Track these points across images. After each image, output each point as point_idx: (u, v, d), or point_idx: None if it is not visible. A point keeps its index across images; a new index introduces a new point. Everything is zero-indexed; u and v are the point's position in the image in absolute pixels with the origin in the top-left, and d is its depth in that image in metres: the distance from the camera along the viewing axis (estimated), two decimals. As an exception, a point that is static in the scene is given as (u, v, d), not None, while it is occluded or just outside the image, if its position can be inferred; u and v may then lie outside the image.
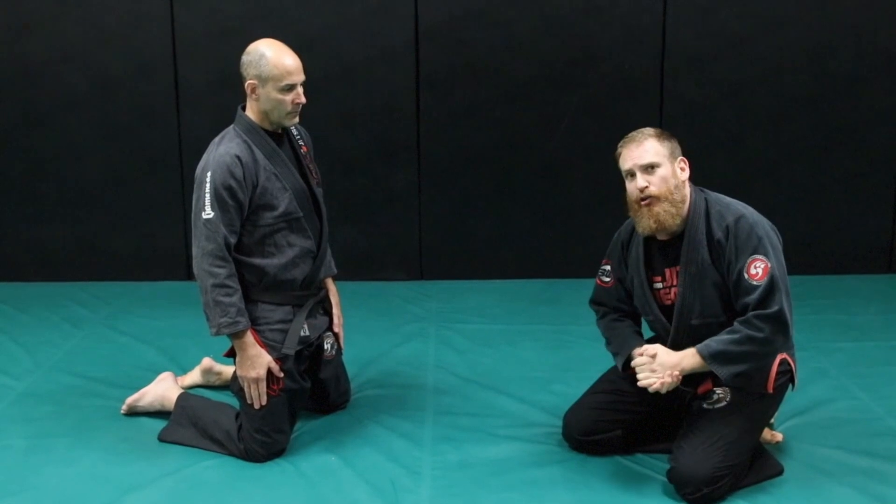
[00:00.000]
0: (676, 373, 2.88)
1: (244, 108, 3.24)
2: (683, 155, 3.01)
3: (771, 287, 2.84)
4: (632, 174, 2.96)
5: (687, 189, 2.98)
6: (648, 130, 2.99)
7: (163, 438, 3.32)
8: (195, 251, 3.12)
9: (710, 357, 2.85)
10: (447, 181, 5.25)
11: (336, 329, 3.50)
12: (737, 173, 5.17)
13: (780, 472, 3.03)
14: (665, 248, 3.01)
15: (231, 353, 3.31)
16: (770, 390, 2.95)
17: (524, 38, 5.07)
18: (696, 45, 5.07)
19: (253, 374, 3.12)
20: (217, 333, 3.11)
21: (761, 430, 3.04)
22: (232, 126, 3.23)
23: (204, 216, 3.07)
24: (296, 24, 5.00)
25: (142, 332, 4.45)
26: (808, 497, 2.91)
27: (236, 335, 3.11)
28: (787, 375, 3.03)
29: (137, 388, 3.60)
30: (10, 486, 3.01)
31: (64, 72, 5.07)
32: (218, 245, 3.07)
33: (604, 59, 5.09)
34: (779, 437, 3.24)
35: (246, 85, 3.15)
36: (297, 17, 5.01)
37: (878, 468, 3.08)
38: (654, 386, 2.87)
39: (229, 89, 5.01)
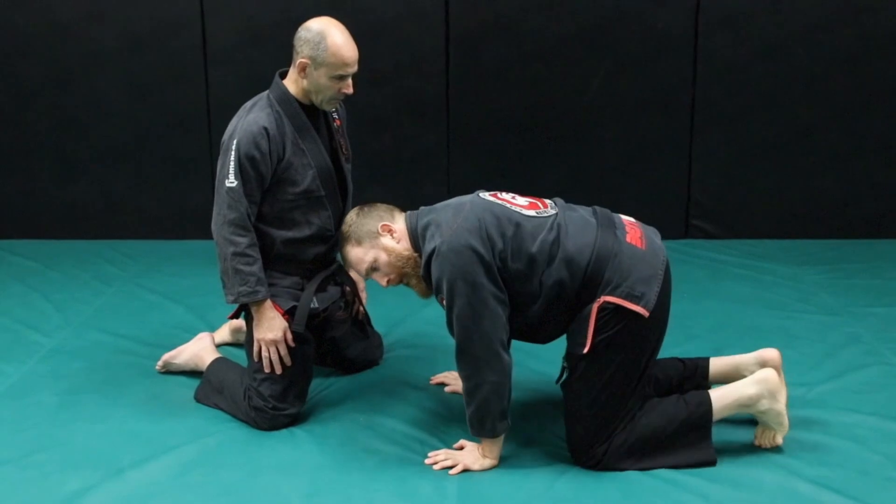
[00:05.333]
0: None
1: (283, 75, 3.18)
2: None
3: (450, 325, 2.80)
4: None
5: (406, 236, 2.91)
6: (343, 235, 2.98)
7: (196, 399, 3.34)
8: (216, 217, 3.09)
9: (475, 435, 2.87)
10: (476, 141, 5.20)
11: (360, 294, 3.49)
12: (771, 134, 5.09)
13: (710, 463, 2.86)
14: None
15: (234, 316, 3.32)
16: (587, 349, 2.77)
17: (555, -4, 5.00)
18: (731, 2, 4.96)
19: (271, 336, 3.10)
20: (235, 301, 3.09)
21: (626, 382, 2.82)
22: (266, 92, 3.17)
23: (227, 184, 3.05)
24: (324, -19, 4.94)
25: (170, 289, 4.46)
26: (840, 463, 2.88)
27: (255, 302, 3.09)
28: (613, 312, 2.77)
29: (166, 346, 3.62)
30: (42, 441, 3.04)
31: (91, 29, 5.05)
32: (240, 214, 3.05)
33: (637, 17, 5.00)
34: (779, 441, 2.98)
35: (297, 62, 3.08)
36: (326, -27, 4.95)
37: (912, 434, 3.05)
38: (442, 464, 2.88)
39: (257, 47, 4.99)
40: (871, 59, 5.01)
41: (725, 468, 2.85)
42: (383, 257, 2.92)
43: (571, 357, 2.86)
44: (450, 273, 2.74)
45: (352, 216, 3.01)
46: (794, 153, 5.12)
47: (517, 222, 2.82)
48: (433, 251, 2.77)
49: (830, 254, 4.91)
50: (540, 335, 2.98)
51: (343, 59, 3.04)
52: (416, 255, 2.90)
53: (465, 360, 2.80)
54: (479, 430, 2.85)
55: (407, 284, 2.98)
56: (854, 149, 5.13)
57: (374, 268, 2.95)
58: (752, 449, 2.95)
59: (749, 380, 2.93)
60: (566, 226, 2.85)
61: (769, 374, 2.93)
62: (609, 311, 2.78)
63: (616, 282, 2.78)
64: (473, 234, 2.76)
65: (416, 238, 2.89)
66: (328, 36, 3.03)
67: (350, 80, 3.11)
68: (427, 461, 2.90)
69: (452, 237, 2.76)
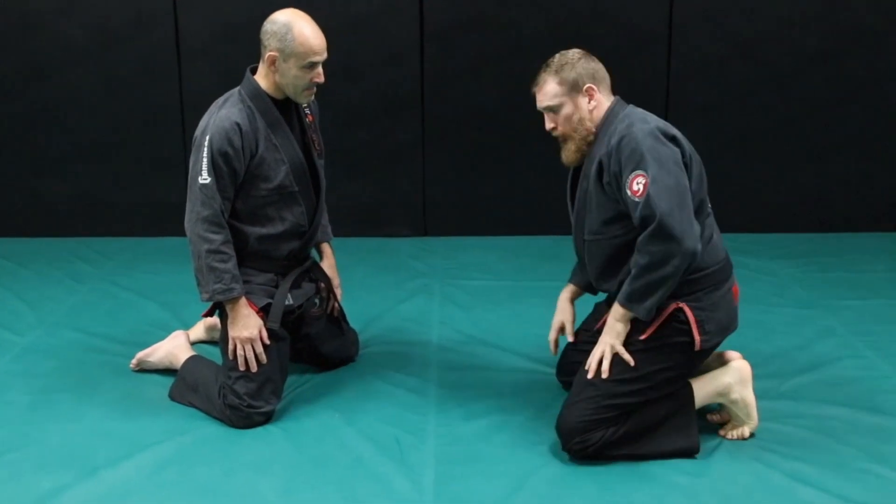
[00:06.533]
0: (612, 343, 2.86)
1: (254, 71, 3.16)
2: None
3: (649, 202, 2.70)
4: (541, 114, 3.01)
5: (601, 111, 2.94)
6: (553, 64, 2.96)
7: (171, 398, 3.31)
8: (189, 214, 3.08)
9: (625, 302, 2.81)
10: (451, 136, 5.20)
11: (336, 290, 3.47)
12: (746, 129, 5.12)
13: (692, 452, 2.90)
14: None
15: (209, 314, 3.29)
16: (644, 336, 2.83)
17: (530, -9, 4.99)
18: (705, -2, 4.99)
19: (246, 334, 3.08)
20: (210, 299, 3.07)
21: (648, 389, 2.86)
22: (238, 88, 3.16)
23: (200, 181, 3.03)
24: (298, -24, 4.91)
25: (144, 287, 4.43)
26: (814, 455, 2.89)
27: (229, 300, 3.07)
28: (683, 326, 2.84)
29: (140, 344, 3.60)
30: (14, 441, 3.01)
31: (63, 23, 5.00)
32: (214, 211, 3.03)
33: (612, 13, 5.01)
34: (746, 434, 2.99)
35: (266, 56, 3.07)
36: (300, -32, 4.92)
37: (884, 425, 3.07)
38: (594, 364, 2.87)
39: (231, 42, 4.96)
40: (844, 54, 5.05)
41: (700, 461, 2.86)
42: (568, 109, 2.93)
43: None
44: (651, 144, 2.74)
45: (577, 55, 2.97)
46: (769, 148, 5.15)
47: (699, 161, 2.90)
48: (633, 125, 2.79)
49: (805, 247, 4.94)
50: (614, 275, 2.94)
51: (311, 48, 3.04)
52: (594, 132, 2.92)
53: (660, 235, 2.69)
54: (635, 305, 2.80)
55: (564, 143, 2.97)
56: (828, 143, 5.16)
57: (552, 109, 2.94)
58: (726, 442, 2.97)
59: (724, 368, 2.99)
60: (713, 234, 2.96)
61: (742, 364, 2.99)
62: (678, 319, 2.84)
63: (701, 305, 2.85)
64: (675, 130, 2.84)
65: (609, 117, 2.91)
66: (294, 26, 3.03)
67: (321, 69, 3.10)
68: (590, 375, 2.86)
69: (659, 122, 2.83)
